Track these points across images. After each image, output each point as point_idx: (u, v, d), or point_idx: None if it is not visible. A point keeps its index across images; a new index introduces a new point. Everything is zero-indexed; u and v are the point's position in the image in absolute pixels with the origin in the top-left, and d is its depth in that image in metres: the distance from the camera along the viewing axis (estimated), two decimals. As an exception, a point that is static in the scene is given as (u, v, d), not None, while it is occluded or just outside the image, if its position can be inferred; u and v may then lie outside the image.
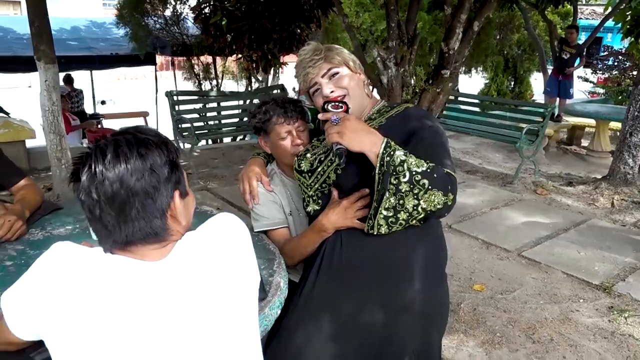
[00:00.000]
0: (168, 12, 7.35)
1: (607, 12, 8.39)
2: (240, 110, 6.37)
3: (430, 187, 1.25)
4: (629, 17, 7.05)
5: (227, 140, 7.28)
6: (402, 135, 1.36)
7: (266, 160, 1.82)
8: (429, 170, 1.26)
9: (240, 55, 6.84)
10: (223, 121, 6.11)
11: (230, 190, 4.84)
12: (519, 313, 2.91)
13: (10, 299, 0.96)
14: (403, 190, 1.25)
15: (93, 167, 0.89)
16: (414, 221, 1.29)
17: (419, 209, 1.27)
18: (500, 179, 5.57)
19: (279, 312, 1.39)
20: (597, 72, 13.29)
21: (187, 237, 0.99)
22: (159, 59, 9.16)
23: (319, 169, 1.48)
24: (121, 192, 0.88)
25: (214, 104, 6.14)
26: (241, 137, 7.20)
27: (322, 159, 1.48)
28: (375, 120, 1.47)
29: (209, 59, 7.85)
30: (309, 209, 1.54)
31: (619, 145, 5.24)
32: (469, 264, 3.49)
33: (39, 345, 0.99)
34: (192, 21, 7.14)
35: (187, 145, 5.34)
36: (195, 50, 7.15)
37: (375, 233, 1.32)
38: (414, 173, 1.25)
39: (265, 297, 1.36)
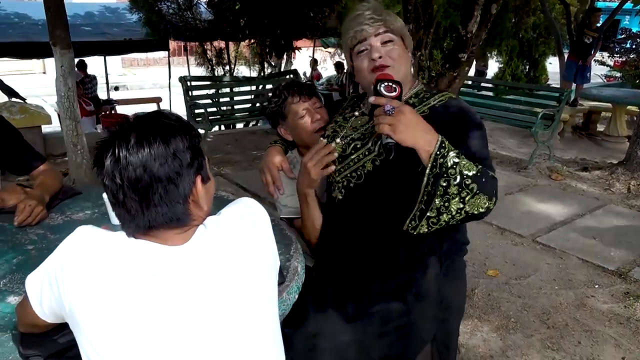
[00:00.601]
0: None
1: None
2: (253, 96, 6.37)
3: (478, 191, 1.22)
4: (648, -1, 6.90)
5: (239, 125, 7.29)
6: (446, 130, 1.28)
7: (284, 147, 1.77)
8: (478, 174, 1.22)
9: (253, 40, 6.83)
10: (236, 107, 6.12)
11: (244, 176, 4.86)
12: (533, 298, 2.91)
13: (34, 281, 0.98)
14: (450, 193, 1.21)
15: (117, 151, 0.90)
16: (453, 222, 1.26)
17: (462, 212, 1.23)
18: (515, 164, 5.52)
19: (296, 296, 1.40)
20: (614, 55, 13.05)
21: (209, 221, 1.00)
22: (172, 44, 9.17)
23: (353, 157, 1.41)
24: (144, 177, 0.89)
25: (227, 90, 6.14)
26: (254, 122, 7.20)
27: (357, 146, 1.41)
28: (415, 108, 1.37)
29: (222, 44, 7.83)
30: (334, 194, 1.47)
31: (636, 129, 5.16)
32: (483, 250, 3.49)
33: (63, 327, 1.01)
34: (205, 6, 7.12)
35: (201, 131, 5.35)
36: (208, 35, 7.14)
37: (415, 233, 1.29)
38: (465, 177, 1.20)
39: (283, 281, 1.37)
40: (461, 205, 1.22)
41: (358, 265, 1.43)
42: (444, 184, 1.20)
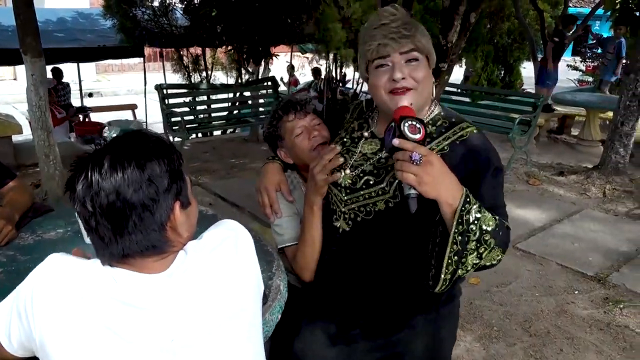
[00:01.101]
0: (156, 3, 7.22)
1: (597, 0, 8.42)
2: (230, 104, 6.30)
3: (495, 246, 1.16)
4: (618, 6, 7.07)
5: (217, 133, 7.21)
6: (464, 169, 1.19)
7: (283, 166, 1.65)
8: (496, 228, 1.16)
9: (230, 47, 6.77)
10: (213, 114, 6.04)
11: (223, 185, 4.80)
12: (515, 306, 2.92)
13: (2, 314, 0.93)
14: (469, 249, 1.14)
15: (90, 176, 0.85)
16: (465, 274, 1.21)
17: (477, 266, 1.18)
18: (493, 169, 5.56)
19: (279, 316, 1.36)
20: (586, 60, 13.34)
21: (190, 247, 0.95)
22: (147, 50, 9.03)
23: (364, 192, 1.29)
24: (117, 203, 0.84)
25: (204, 97, 6.06)
26: (231, 130, 7.13)
27: (370, 182, 1.28)
28: (434, 141, 1.26)
29: (199, 50, 7.74)
30: (338, 224, 1.35)
31: (610, 134, 5.26)
32: (464, 257, 3.48)
33: (34, 360, 0.96)
34: (181, 12, 7.03)
35: (178, 139, 5.27)
36: (184, 41, 7.05)
37: (431, 290, 1.21)
38: (484, 232, 1.14)
39: (266, 301, 1.33)
40: (477, 261, 1.17)
41: (357, 298, 1.37)
42: (464, 239, 1.13)
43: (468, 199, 1.12)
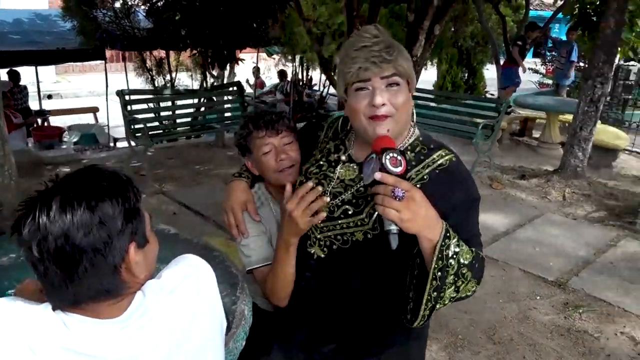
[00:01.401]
0: (118, 4, 7.06)
1: (558, 5, 8.67)
2: (195, 109, 6.21)
3: (471, 278, 1.16)
4: (576, 11, 7.28)
5: (182, 138, 7.09)
6: (441, 196, 1.17)
7: (250, 181, 1.59)
8: (473, 260, 1.16)
9: (195, 51, 6.68)
10: (178, 120, 5.93)
11: (188, 193, 4.72)
12: (479, 314, 2.96)
13: None
14: (447, 283, 1.13)
15: (37, 218, 0.81)
16: (441, 307, 1.20)
17: (453, 299, 1.18)
18: (458, 173, 5.64)
19: (243, 343, 1.33)
20: (546, 63, 13.68)
21: (149, 287, 0.91)
22: (109, 51, 8.82)
23: (342, 222, 1.26)
24: (67, 248, 0.80)
25: (168, 103, 5.95)
26: (195, 136, 7.04)
27: (349, 212, 1.25)
28: (413, 169, 1.24)
29: (162, 53, 7.60)
30: (312, 251, 1.31)
31: (569, 139, 5.40)
32: (430, 264, 3.52)
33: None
34: (144, 14, 6.89)
35: (141, 147, 5.14)
36: (147, 44, 6.91)
37: (414, 325, 1.20)
38: (462, 265, 1.13)
39: (229, 329, 1.29)
40: (454, 294, 1.16)
41: (330, 326, 1.35)
42: (442, 274, 1.12)
43: (448, 234, 1.11)
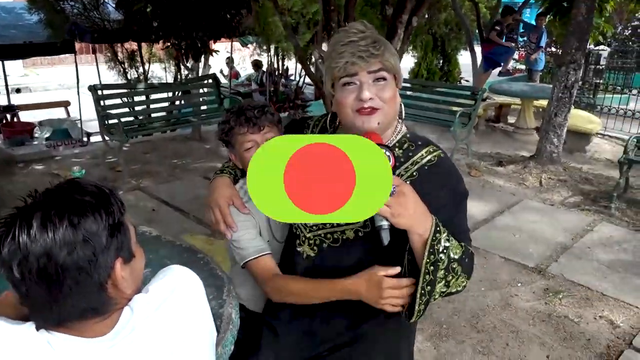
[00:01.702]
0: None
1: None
2: (170, 103, 6.10)
3: (461, 273, 1.18)
4: (548, -4, 7.33)
5: (157, 132, 6.97)
6: (435, 198, 1.19)
7: (233, 176, 1.58)
8: (463, 255, 1.18)
9: (168, 43, 6.55)
10: (153, 115, 5.82)
11: (166, 188, 4.64)
12: (462, 302, 2.99)
13: None
14: (438, 277, 1.14)
15: (17, 237, 0.77)
16: (432, 302, 1.21)
17: (444, 293, 1.19)
18: (436, 161, 5.67)
19: (232, 348, 1.31)
20: (518, 48, 13.82)
21: (136, 302, 0.89)
22: (79, 44, 8.59)
23: (333, 222, 1.26)
24: (49, 268, 0.77)
25: (143, 97, 5.82)
26: (171, 130, 6.93)
27: None
28: (402, 166, 1.26)
29: (134, 45, 7.43)
30: (302, 249, 1.33)
31: (544, 125, 5.48)
32: (412, 254, 3.54)
33: None
34: (113, 6, 6.71)
35: (116, 142, 5.03)
36: (118, 36, 6.74)
37: (411, 321, 1.21)
38: (452, 260, 1.15)
39: (218, 333, 1.27)
40: (445, 289, 1.18)
41: (322, 324, 1.36)
42: (433, 269, 1.13)
43: (438, 228, 1.13)
